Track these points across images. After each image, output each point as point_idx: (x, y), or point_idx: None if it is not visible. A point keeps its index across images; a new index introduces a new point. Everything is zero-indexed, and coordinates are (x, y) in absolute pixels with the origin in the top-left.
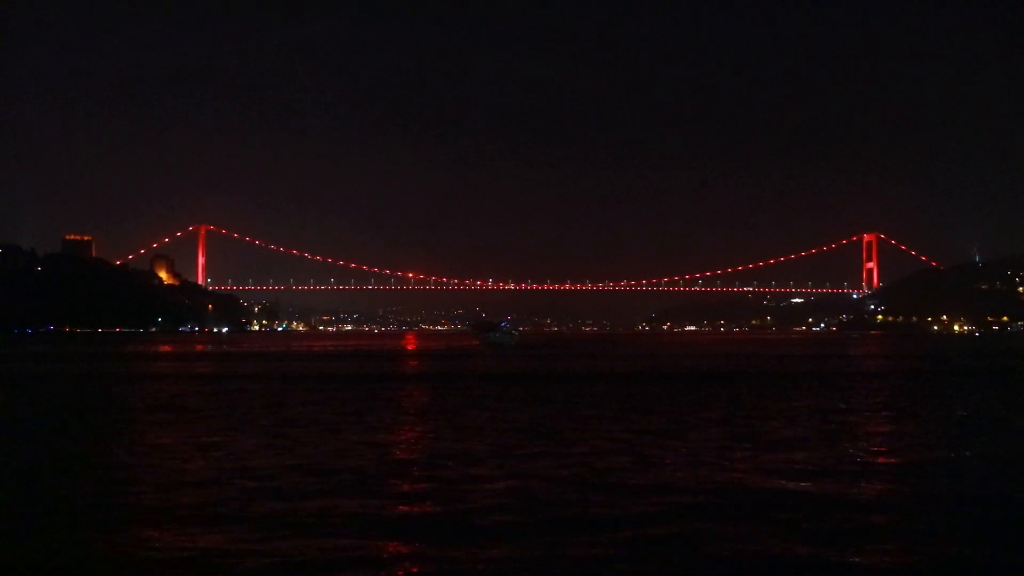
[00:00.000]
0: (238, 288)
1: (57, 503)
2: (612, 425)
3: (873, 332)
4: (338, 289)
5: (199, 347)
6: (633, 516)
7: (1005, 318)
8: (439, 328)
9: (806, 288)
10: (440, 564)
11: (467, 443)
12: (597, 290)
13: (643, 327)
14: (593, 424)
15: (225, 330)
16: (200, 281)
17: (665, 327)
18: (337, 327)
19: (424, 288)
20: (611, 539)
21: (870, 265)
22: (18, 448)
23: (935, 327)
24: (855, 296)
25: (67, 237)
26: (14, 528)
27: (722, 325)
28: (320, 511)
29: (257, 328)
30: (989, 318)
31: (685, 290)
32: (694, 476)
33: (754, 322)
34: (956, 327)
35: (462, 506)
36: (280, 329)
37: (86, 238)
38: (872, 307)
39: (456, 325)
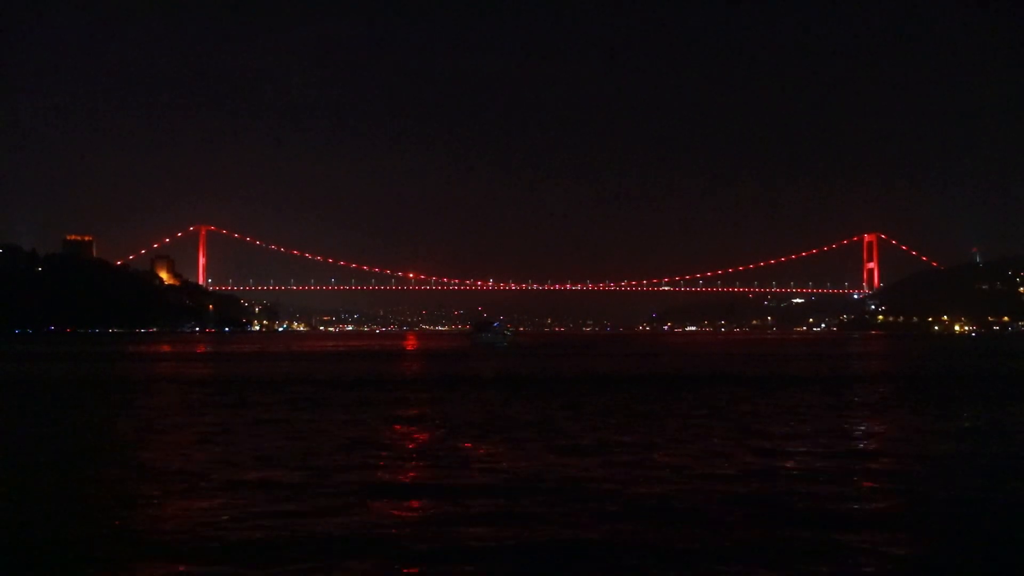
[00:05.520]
0: (239, 288)
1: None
2: (606, 427)
3: (873, 332)
4: (339, 289)
5: (200, 348)
6: (626, 518)
7: (1006, 318)
8: (440, 328)
9: (807, 288)
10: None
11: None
12: (597, 290)
13: (644, 327)
14: (587, 428)
15: (226, 330)
16: (201, 281)
17: (666, 327)
18: (338, 327)
19: (425, 288)
20: (599, 544)
21: (871, 265)
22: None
23: (935, 327)
24: (856, 296)
25: (68, 237)
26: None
27: (723, 325)
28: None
29: (258, 328)
30: (990, 318)
31: (686, 290)
32: (693, 477)
33: (755, 322)
34: (956, 327)
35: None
36: (280, 330)
37: (87, 238)
38: (873, 307)
39: (456, 325)
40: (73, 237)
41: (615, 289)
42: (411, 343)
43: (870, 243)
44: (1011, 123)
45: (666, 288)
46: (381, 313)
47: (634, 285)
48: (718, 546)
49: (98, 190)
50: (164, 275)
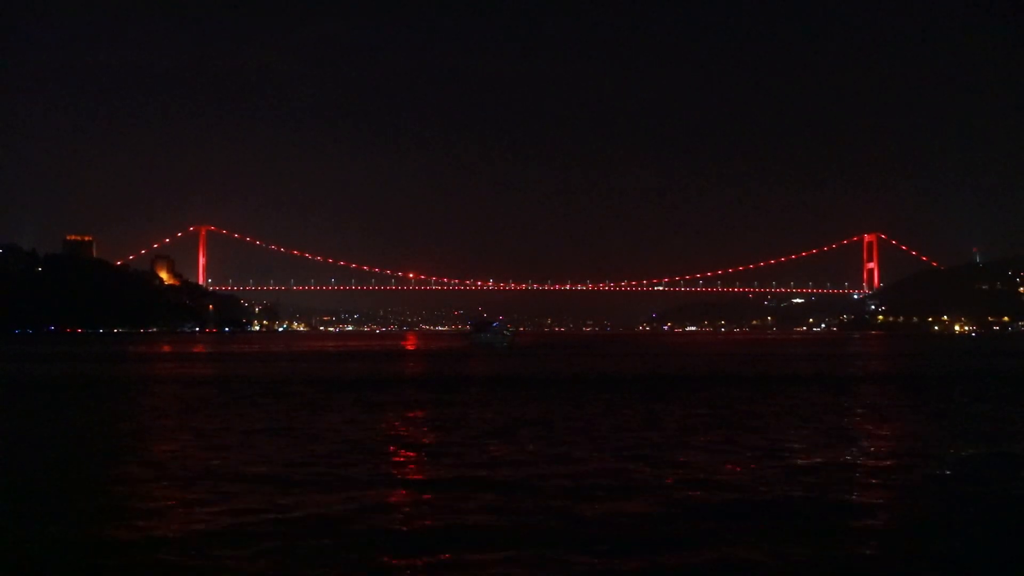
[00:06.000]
0: (239, 288)
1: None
2: (607, 427)
3: (874, 332)
4: (339, 289)
5: (200, 348)
6: (627, 519)
7: (1006, 318)
8: (440, 328)
9: (807, 288)
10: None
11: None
12: (597, 290)
13: (644, 327)
14: (587, 428)
15: (226, 330)
16: (201, 281)
17: (666, 327)
18: (338, 327)
19: (425, 288)
20: (605, 543)
21: (871, 265)
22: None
23: (935, 327)
24: (856, 296)
25: (68, 237)
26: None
27: (723, 325)
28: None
29: (258, 328)
30: (990, 318)
31: (685, 290)
32: (693, 476)
33: (755, 322)
34: (956, 327)
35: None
36: (280, 330)
37: (87, 238)
38: (873, 307)
39: (456, 325)
40: (73, 237)
41: (615, 289)
42: (411, 343)
43: (870, 243)
44: (1011, 123)
45: (666, 288)
46: (381, 313)
47: (634, 285)
48: (720, 543)
49: (98, 190)
50: (164, 275)
